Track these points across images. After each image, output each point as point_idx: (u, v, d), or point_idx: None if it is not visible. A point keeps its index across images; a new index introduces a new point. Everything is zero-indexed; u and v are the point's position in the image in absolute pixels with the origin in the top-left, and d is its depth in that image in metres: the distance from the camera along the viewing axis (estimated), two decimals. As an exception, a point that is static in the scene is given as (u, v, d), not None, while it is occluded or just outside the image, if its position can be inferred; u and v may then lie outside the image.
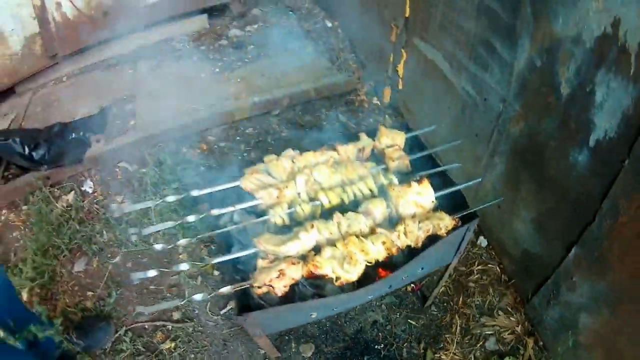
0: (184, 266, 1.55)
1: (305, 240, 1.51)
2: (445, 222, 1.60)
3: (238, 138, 3.26)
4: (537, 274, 2.27)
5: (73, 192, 2.93)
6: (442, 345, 2.30)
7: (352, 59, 3.80)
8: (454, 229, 1.64)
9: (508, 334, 2.34)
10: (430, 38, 2.66)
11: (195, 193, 1.70)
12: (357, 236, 1.53)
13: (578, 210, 1.92)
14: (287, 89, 3.35)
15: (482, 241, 2.63)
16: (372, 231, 1.57)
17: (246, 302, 1.57)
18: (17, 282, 2.48)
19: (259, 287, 1.45)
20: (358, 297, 1.64)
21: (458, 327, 2.34)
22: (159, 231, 1.65)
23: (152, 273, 1.55)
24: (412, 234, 1.55)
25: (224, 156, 3.15)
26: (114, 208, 1.64)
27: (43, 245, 2.67)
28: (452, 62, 2.53)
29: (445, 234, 1.62)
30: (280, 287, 1.45)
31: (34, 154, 3.00)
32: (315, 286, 1.62)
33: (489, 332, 2.34)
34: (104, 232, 2.71)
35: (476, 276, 2.51)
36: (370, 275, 1.59)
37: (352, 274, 1.48)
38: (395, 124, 3.18)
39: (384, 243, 1.52)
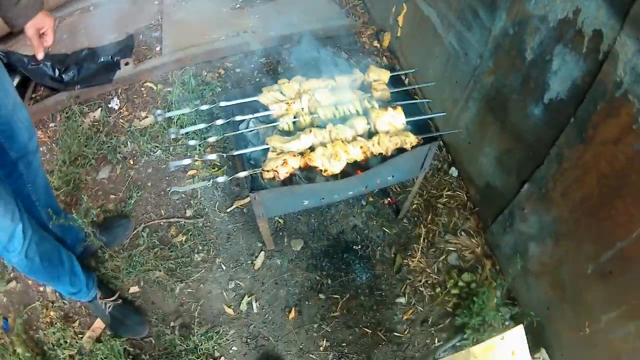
0: (213, 156, 2.24)
1: (304, 140, 2.18)
2: (410, 139, 2.25)
3: (252, 66, 3.90)
4: (496, 204, 2.78)
5: (100, 109, 3.55)
6: (410, 252, 2.94)
7: (360, 6, 4.39)
8: (417, 145, 2.33)
9: (469, 253, 2.93)
10: None
11: (223, 104, 2.35)
12: (342, 141, 2.24)
13: (531, 153, 2.42)
14: (299, 27, 3.98)
15: (454, 171, 3.26)
16: (354, 139, 2.24)
17: (254, 185, 2.28)
18: None
19: (267, 172, 2.16)
20: (339, 188, 2.30)
21: (425, 239, 2.99)
22: (194, 131, 2.31)
23: (187, 161, 2.20)
24: (383, 144, 2.22)
25: (238, 80, 3.79)
26: (159, 112, 2.27)
27: (72, 155, 3.24)
28: (443, 20, 3.09)
29: (410, 149, 2.30)
30: (283, 173, 2.13)
31: (64, 76, 3.54)
32: (308, 178, 2.32)
33: (452, 249, 2.95)
34: (128, 143, 3.36)
35: (445, 200, 3.14)
36: (351, 174, 2.27)
37: (336, 167, 2.14)
38: (389, 65, 3.84)
39: (361, 147, 2.18)
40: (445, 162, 3.35)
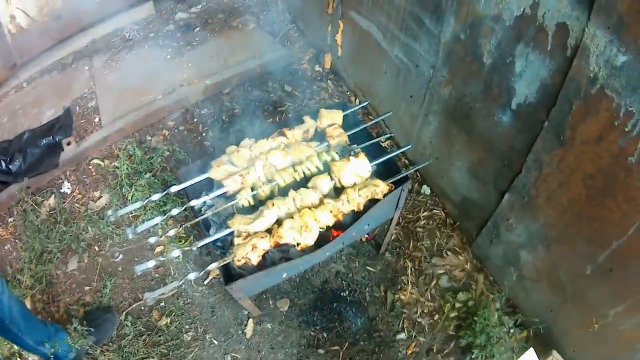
0: (176, 253, 1.91)
1: (268, 216, 1.91)
2: (380, 187, 2.02)
3: (195, 120, 3.57)
4: (478, 216, 2.65)
5: (53, 195, 3.20)
6: (399, 286, 2.73)
7: (293, 30, 4.09)
8: (390, 192, 2.08)
9: (459, 272, 2.77)
10: (365, 12, 2.96)
11: (173, 189, 2.05)
12: (309, 208, 1.95)
13: (506, 162, 2.25)
14: (235, 69, 3.66)
15: (426, 189, 3.05)
16: (321, 202, 1.98)
17: (228, 272, 2.00)
18: (18, 293, 2.74)
19: (238, 260, 1.87)
20: (318, 256, 2.06)
21: (412, 269, 2.77)
22: (152, 226, 2.00)
23: (151, 263, 1.91)
24: (353, 201, 1.97)
25: (184, 139, 3.46)
26: (110, 213, 1.96)
27: (36, 252, 2.93)
28: (385, 32, 2.84)
29: (382, 197, 2.04)
30: (255, 258, 1.86)
31: (10, 167, 3.19)
32: (281, 251, 2.04)
33: (441, 271, 2.77)
34: (89, 228, 3.02)
35: (423, 222, 2.94)
36: (325, 236, 2.00)
37: (309, 239, 1.90)
38: (337, 91, 3.55)
39: (331, 211, 1.93)
40: (416, 182, 3.12)
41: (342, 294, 2.74)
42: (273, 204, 1.93)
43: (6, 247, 3.08)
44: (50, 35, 3.85)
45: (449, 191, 2.87)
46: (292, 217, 1.91)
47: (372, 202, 2.05)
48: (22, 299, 2.58)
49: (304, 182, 2.05)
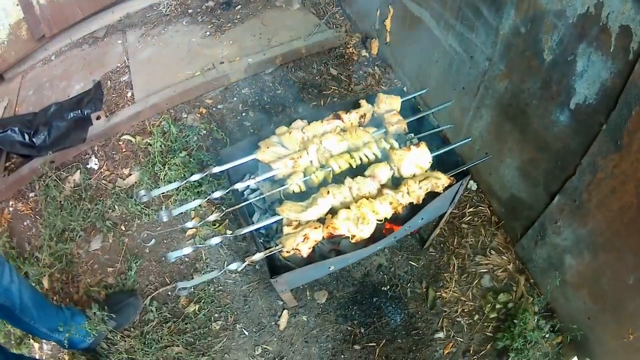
0: (216, 240, 1.73)
1: (322, 205, 1.72)
2: (442, 180, 1.82)
3: (235, 99, 3.37)
4: (524, 216, 2.49)
5: (79, 171, 3.02)
6: (441, 283, 2.56)
7: (339, 13, 3.88)
8: (450, 185, 1.87)
9: (501, 272, 2.59)
10: None
11: (215, 170, 1.86)
12: (367, 198, 1.75)
13: (560, 163, 2.13)
14: (279, 48, 3.46)
15: (472, 185, 2.86)
16: (380, 192, 1.79)
17: (272, 263, 1.81)
18: (35, 272, 2.60)
19: (287, 252, 1.68)
20: (369, 250, 1.87)
21: (455, 266, 2.60)
22: (190, 209, 1.81)
23: (187, 250, 1.73)
24: (414, 193, 1.78)
25: (223, 118, 3.26)
26: (143, 193, 1.77)
27: (57, 230, 2.76)
28: (439, 20, 2.65)
29: (442, 191, 1.84)
30: (306, 250, 1.67)
31: (34, 139, 3.02)
32: (332, 243, 1.85)
33: (484, 270, 2.59)
34: (115, 206, 2.85)
35: (468, 218, 2.75)
36: (378, 228, 1.80)
37: (365, 232, 1.71)
38: (384, 77, 3.33)
39: (390, 203, 1.74)
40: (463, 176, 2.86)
41: (382, 288, 2.56)
42: (328, 192, 1.73)
43: (25, 223, 2.93)
44: (81, 7, 3.64)
45: (496, 188, 2.68)
46: (348, 207, 1.71)
47: (429, 195, 1.85)
48: (33, 285, 2.41)
49: (360, 170, 1.85)
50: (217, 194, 1.80)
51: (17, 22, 3.37)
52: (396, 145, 1.89)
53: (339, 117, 1.98)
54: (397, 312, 2.49)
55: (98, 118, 3.12)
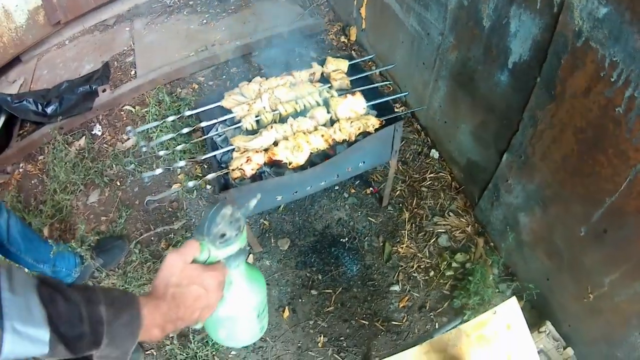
0: (182, 163, 2.41)
1: (266, 136, 2.33)
2: (371, 121, 2.39)
3: (224, 77, 4.14)
4: (481, 179, 2.88)
5: (84, 137, 3.77)
6: (398, 239, 3.03)
7: (324, 5, 4.65)
8: (381, 127, 2.46)
9: (459, 233, 3.02)
10: None
11: (187, 113, 2.53)
12: (303, 132, 2.38)
13: (505, 121, 2.50)
14: (264, 33, 4.22)
15: (435, 153, 3.38)
16: (316, 129, 2.40)
17: (224, 187, 2.42)
18: (39, 222, 3.26)
19: (233, 171, 2.31)
20: (309, 178, 2.43)
21: (413, 224, 3.09)
22: (163, 141, 2.48)
23: (158, 171, 2.37)
24: (345, 130, 2.36)
25: (212, 92, 3.99)
26: (129, 129, 2.46)
27: (61, 183, 3.45)
28: (402, 4, 3.23)
29: (373, 131, 2.43)
30: (249, 170, 2.27)
31: (47, 109, 3.74)
32: (277, 174, 2.48)
33: (441, 230, 3.04)
34: (114, 165, 3.56)
35: (429, 182, 3.26)
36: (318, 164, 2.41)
37: (300, 158, 2.28)
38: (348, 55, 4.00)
39: (322, 136, 2.33)
40: (425, 146, 3.47)
41: (341, 240, 3.10)
42: (272, 127, 2.37)
43: (33, 182, 3.65)
44: (95, -3, 4.46)
45: (455, 155, 3.16)
46: (287, 139, 2.34)
47: (364, 137, 2.43)
48: (24, 220, 2.98)
49: (303, 114, 2.46)
50: (185, 130, 2.47)
51: (36, 8, 4.13)
52: (335, 94, 2.52)
53: (290, 74, 2.64)
54: (354, 263, 2.99)
55: (104, 91, 3.89)
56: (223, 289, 1.18)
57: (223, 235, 1.12)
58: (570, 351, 2.44)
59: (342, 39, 4.37)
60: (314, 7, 4.60)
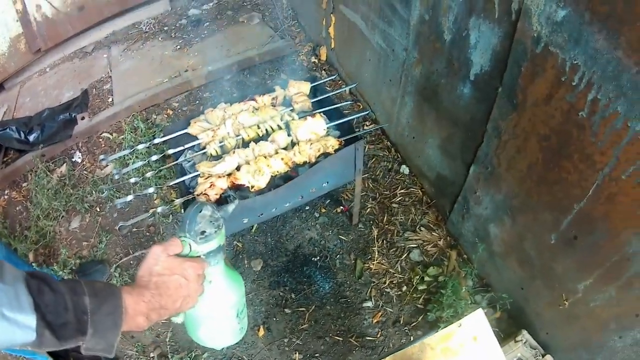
0: (151, 189, 2.53)
1: (229, 161, 2.46)
2: (330, 142, 2.51)
3: (197, 102, 4.31)
4: (450, 192, 2.97)
5: (65, 164, 3.93)
6: (369, 256, 3.15)
7: (295, 26, 4.83)
8: (340, 147, 2.59)
9: (431, 247, 3.13)
10: (351, 4, 3.51)
11: (157, 140, 2.68)
12: (264, 156, 2.52)
13: (469, 133, 2.57)
14: (236, 57, 4.40)
15: (405, 169, 3.51)
16: (277, 153, 2.55)
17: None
18: (24, 247, 3.41)
19: (198, 196, 2.45)
20: (272, 200, 2.56)
21: (383, 241, 3.20)
22: (137, 168, 2.61)
23: (130, 197, 2.51)
24: (304, 152, 2.49)
25: (186, 118, 4.12)
26: (102, 157, 2.60)
27: (44, 210, 3.61)
28: (367, 22, 3.35)
29: (333, 152, 2.55)
30: (213, 195, 2.41)
31: (29, 137, 3.93)
32: (242, 198, 2.61)
33: (413, 245, 3.15)
34: (93, 192, 3.72)
35: (399, 198, 3.38)
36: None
37: (261, 182, 2.41)
38: (311, 77, 4.16)
39: (282, 159, 2.46)
40: (395, 162, 3.61)
41: (313, 259, 3.22)
42: (234, 152, 2.50)
43: (17, 208, 3.81)
44: (73, 25, 4.62)
45: (425, 169, 3.27)
46: (249, 164, 2.48)
47: (326, 158, 2.56)
48: (7, 245, 3.19)
49: (266, 138, 2.60)
50: (154, 157, 2.62)
51: (17, 36, 4.31)
52: (296, 117, 2.66)
53: (253, 99, 2.79)
54: (326, 281, 3.11)
55: (82, 118, 4.06)
56: (202, 282, 1.28)
57: (203, 232, 1.26)
58: (549, 358, 2.51)
59: (313, 59, 4.55)
60: (285, 28, 4.78)
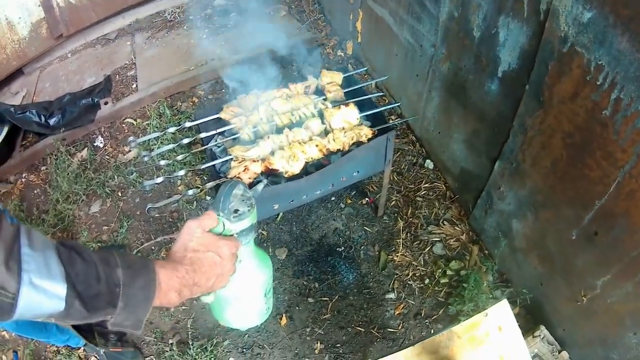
0: (182, 172, 2.59)
1: (263, 146, 2.52)
2: (364, 131, 2.57)
3: (223, 90, 4.36)
4: (474, 188, 3.03)
5: (86, 148, 3.98)
6: (393, 248, 3.20)
7: (322, 19, 4.89)
8: (374, 137, 2.64)
9: (454, 241, 3.18)
10: None
11: (187, 124, 2.73)
12: (298, 142, 2.57)
13: (496, 129, 2.64)
14: (262, 47, 4.39)
15: (429, 164, 3.56)
16: (310, 139, 2.58)
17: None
18: (41, 231, 3.38)
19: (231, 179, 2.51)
20: (304, 187, 2.60)
21: (407, 233, 3.26)
22: (163, 152, 2.67)
23: (160, 179, 2.57)
24: (338, 140, 2.55)
25: (212, 106, 4.16)
26: (131, 139, 2.66)
27: (63, 193, 3.65)
28: (395, 17, 3.43)
29: (366, 141, 2.61)
30: (246, 179, 2.47)
31: (49, 121, 3.95)
32: (274, 183, 2.66)
33: (436, 239, 3.20)
34: (115, 176, 3.76)
35: (423, 192, 3.43)
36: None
37: (295, 167, 2.47)
38: (342, 67, 4.22)
39: (317, 146, 2.52)
40: (420, 156, 3.66)
41: (337, 249, 3.27)
42: (269, 137, 2.56)
43: (35, 191, 3.86)
44: (96, 11, 4.67)
45: (449, 164, 3.33)
46: (283, 149, 2.53)
47: (358, 146, 2.60)
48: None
49: (299, 125, 2.64)
50: (186, 140, 2.67)
51: (38, 21, 4.34)
52: (330, 106, 2.72)
53: (287, 87, 2.85)
54: (350, 271, 3.16)
55: (106, 103, 4.11)
56: (236, 261, 1.27)
57: (236, 210, 1.26)
58: (565, 355, 2.55)
59: (339, 52, 4.61)
60: (311, 21, 4.86)
